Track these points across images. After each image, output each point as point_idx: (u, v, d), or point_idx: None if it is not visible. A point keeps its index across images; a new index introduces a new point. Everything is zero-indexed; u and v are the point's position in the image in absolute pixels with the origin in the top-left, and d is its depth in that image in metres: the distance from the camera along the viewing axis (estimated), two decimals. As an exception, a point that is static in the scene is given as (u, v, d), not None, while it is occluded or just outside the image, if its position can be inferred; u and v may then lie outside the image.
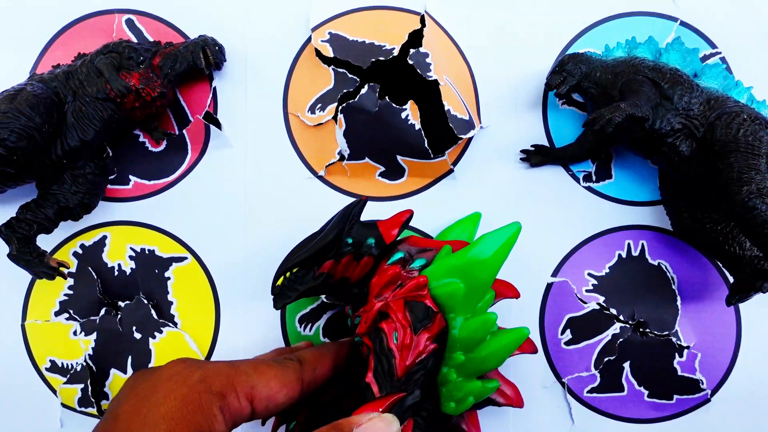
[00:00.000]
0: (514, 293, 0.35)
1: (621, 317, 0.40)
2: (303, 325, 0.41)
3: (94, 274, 0.40)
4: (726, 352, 0.40)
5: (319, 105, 0.40)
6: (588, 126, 0.33)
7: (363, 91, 0.38)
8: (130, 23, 0.40)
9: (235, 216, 0.41)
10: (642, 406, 0.40)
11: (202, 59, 0.38)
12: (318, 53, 0.40)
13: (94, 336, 0.40)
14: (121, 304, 0.40)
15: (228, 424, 0.28)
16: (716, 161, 0.32)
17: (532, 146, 0.40)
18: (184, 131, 0.41)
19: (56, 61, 0.38)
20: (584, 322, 0.40)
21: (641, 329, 0.40)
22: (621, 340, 0.40)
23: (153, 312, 0.40)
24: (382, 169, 0.40)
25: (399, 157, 0.40)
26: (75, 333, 0.40)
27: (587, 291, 0.41)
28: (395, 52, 0.38)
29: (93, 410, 0.41)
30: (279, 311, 0.41)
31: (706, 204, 0.36)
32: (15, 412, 0.41)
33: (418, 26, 0.39)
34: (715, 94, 0.35)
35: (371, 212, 0.40)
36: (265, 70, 0.40)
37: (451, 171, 0.41)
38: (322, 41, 0.39)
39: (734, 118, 0.32)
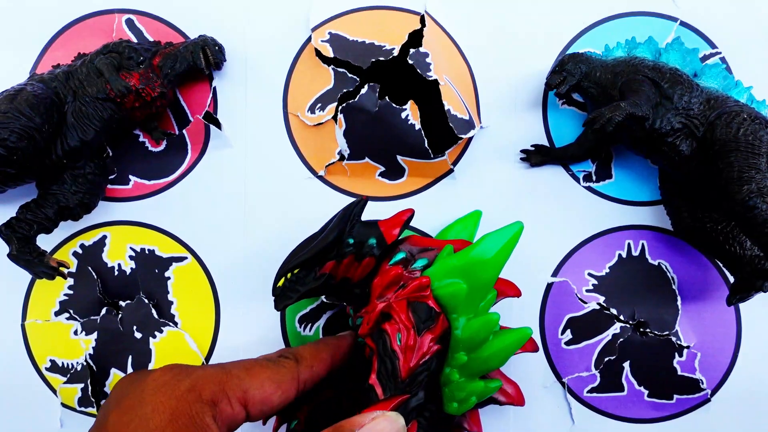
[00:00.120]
0: (516, 292, 0.35)
1: (621, 317, 0.40)
2: (303, 325, 0.41)
3: (94, 273, 0.40)
4: (726, 351, 0.40)
5: (319, 105, 0.40)
6: (588, 125, 0.33)
7: (363, 91, 0.38)
8: (130, 23, 0.40)
9: (235, 216, 0.41)
10: (642, 405, 0.40)
11: (202, 59, 0.38)
12: (318, 53, 0.39)
13: (94, 335, 0.40)
14: (122, 303, 0.40)
15: (222, 431, 0.27)
16: (716, 160, 0.32)
17: (532, 146, 0.40)
18: (184, 131, 0.41)
19: (56, 61, 0.38)
20: (584, 322, 0.40)
21: (641, 329, 0.40)
22: (621, 340, 0.40)
23: (153, 311, 0.40)
24: (382, 169, 0.40)
25: (399, 157, 0.40)
26: (75, 333, 0.40)
27: (587, 291, 0.41)
28: (395, 52, 0.38)
29: (93, 410, 0.41)
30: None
31: (706, 203, 0.36)
32: (15, 412, 0.41)
33: (418, 26, 0.39)
34: (715, 93, 0.35)
35: (371, 212, 0.40)
36: (265, 70, 0.40)
37: (451, 171, 0.41)
38: (322, 41, 0.39)
39: (734, 118, 0.32)
